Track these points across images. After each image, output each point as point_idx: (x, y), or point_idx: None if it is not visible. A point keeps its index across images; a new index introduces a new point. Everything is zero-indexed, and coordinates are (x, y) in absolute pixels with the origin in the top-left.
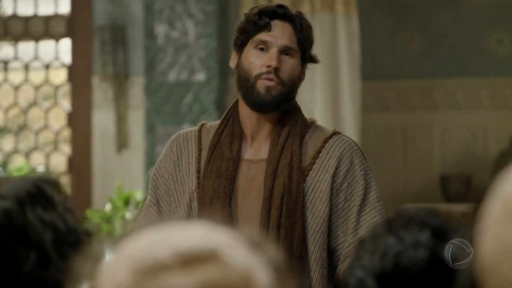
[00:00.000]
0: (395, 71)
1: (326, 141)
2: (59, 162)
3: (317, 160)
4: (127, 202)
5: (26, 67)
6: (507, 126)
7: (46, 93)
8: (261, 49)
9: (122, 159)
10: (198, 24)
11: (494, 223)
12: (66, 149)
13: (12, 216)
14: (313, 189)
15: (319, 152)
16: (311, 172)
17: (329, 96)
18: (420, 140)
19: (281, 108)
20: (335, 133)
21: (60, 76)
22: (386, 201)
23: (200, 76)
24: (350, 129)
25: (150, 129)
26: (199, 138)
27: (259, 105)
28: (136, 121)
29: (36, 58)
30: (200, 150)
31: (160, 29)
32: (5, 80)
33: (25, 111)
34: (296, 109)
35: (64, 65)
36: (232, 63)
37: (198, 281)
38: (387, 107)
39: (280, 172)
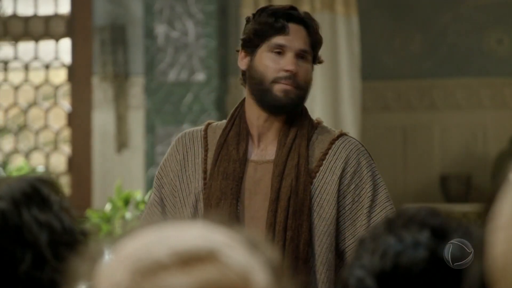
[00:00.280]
0: (395, 71)
1: (332, 142)
2: (59, 162)
3: (324, 162)
4: (127, 202)
5: (26, 67)
6: (507, 126)
7: (46, 93)
8: (277, 52)
9: (122, 159)
10: (198, 24)
11: (505, 224)
12: (66, 149)
13: (8, 217)
14: (320, 191)
15: (325, 153)
16: (318, 174)
17: (329, 96)
18: (420, 140)
19: (296, 110)
20: (341, 135)
21: (60, 76)
22: None
23: (200, 76)
24: (350, 129)
25: (150, 129)
26: (205, 138)
27: (275, 107)
28: (136, 121)
29: (36, 58)
30: (206, 151)
31: (160, 29)
32: (5, 80)
33: (25, 111)
34: (303, 110)
35: (64, 65)
36: (242, 64)
37: (196, 280)
38: (387, 107)
39: (287, 173)
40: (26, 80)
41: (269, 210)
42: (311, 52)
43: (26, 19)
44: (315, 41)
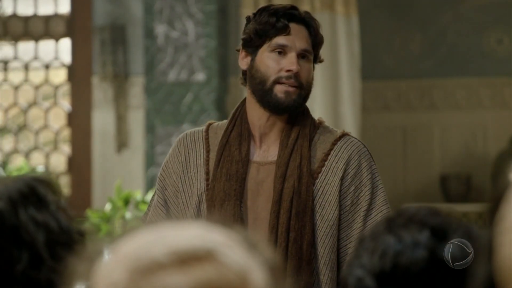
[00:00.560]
0: (395, 71)
1: (334, 143)
2: (59, 162)
3: (326, 163)
4: (127, 202)
5: (26, 67)
6: (507, 126)
7: (46, 93)
8: (279, 52)
9: (122, 159)
10: (198, 24)
11: None
12: (66, 149)
13: (4, 217)
14: (322, 192)
15: (328, 154)
16: (320, 175)
17: (329, 96)
18: (420, 140)
19: (298, 110)
20: (343, 135)
21: (60, 76)
22: None
23: (200, 76)
24: (350, 129)
25: (150, 129)
26: (207, 138)
27: (277, 108)
28: (136, 121)
29: (36, 58)
30: (208, 152)
31: (160, 29)
32: (5, 80)
33: (25, 111)
34: (305, 110)
35: (64, 65)
36: (243, 64)
37: (194, 280)
38: (387, 107)
39: (290, 174)
40: (26, 80)
41: (272, 211)
42: (312, 52)
43: (26, 19)
44: (316, 40)
